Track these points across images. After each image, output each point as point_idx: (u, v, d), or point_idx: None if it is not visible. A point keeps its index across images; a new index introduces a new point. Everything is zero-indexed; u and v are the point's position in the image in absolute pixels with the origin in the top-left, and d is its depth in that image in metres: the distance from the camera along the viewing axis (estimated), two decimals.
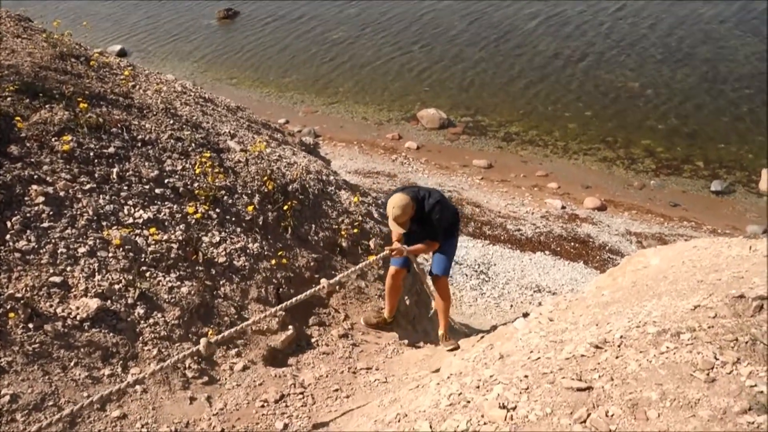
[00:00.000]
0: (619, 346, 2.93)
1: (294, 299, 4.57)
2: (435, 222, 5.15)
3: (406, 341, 5.73)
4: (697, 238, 5.38)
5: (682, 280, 4.15)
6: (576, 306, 4.80)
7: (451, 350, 5.36)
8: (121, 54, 24.23)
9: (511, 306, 12.31)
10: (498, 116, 18.90)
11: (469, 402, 2.73)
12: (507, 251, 14.12)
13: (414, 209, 5.00)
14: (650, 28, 21.52)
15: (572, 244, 14.05)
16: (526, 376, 2.81)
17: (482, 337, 5.36)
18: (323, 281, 4.78)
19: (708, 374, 2.40)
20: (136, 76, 6.72)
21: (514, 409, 2.51)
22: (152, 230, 4.71)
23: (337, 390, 4.53)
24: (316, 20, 25.56)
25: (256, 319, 4.57)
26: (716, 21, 21.74)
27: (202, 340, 3.90)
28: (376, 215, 6.96)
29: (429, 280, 5.86)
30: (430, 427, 2.62)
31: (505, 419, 2.44)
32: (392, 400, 4.03)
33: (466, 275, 13.16)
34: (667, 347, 2.66)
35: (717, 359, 2.46)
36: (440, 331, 5.68)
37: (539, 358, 3.33)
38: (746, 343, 2.54)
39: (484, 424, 2.46)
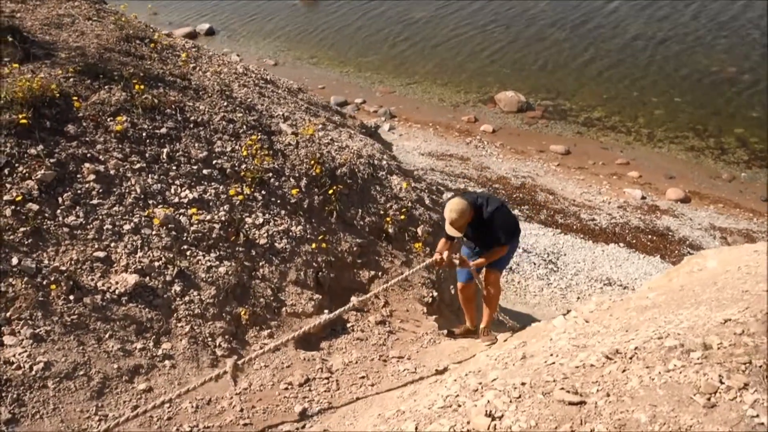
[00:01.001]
0: (630, 358, 2.76)
1: (329, 315, 4.59)
2: (496, 227, 5.09)
3: (445, 331, 5.66)
4: (762, 242, 4.98)
5: (729, 288, 3.87)
6: (617, 307, 4.59)
7: (489, 345, 5.24)
8: (209, 32, 25.11)
9: (578, 298, 11.93)
10: (579, 100, 18.18)
11: (460, 406, 2.66)
12: (579, 241, 13.65)
13: (471, 215, 4.99)
14: (747, 6, 19.95)
15: (649, 236, 13.41)
16: (523, 384, 2.70)
17: (513, 333, 5.21)
18: (353, 299, 4.77)
19: (709, 399, 2.21)
20: (198, 57, 6.92)
21: (500, 418, 2.42)
22: (193, 210, 4.86)
23: (363, 377, 4.54)
24: (399, 2, 25.38)
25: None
26: None
27: (229, 363, 3.95)
28: (427, 201, 6.89)
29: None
30: (416, 428, 2.58)
31: (488, 428, 2.36)
32: (412, 392, 4.01)
33: (534, 264, 12.85)
34: (675, 365, 2.48)
35: (722, 383, 2.27)
36: (482, 325, 5.55)
37: (554, 363, 3.21)
38: (760, 366, 2.33)
39: (467, 431, 2.39)
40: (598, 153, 16.37)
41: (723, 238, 12.97)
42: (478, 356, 4.40)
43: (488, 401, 2.58)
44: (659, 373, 2.46)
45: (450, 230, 5.01)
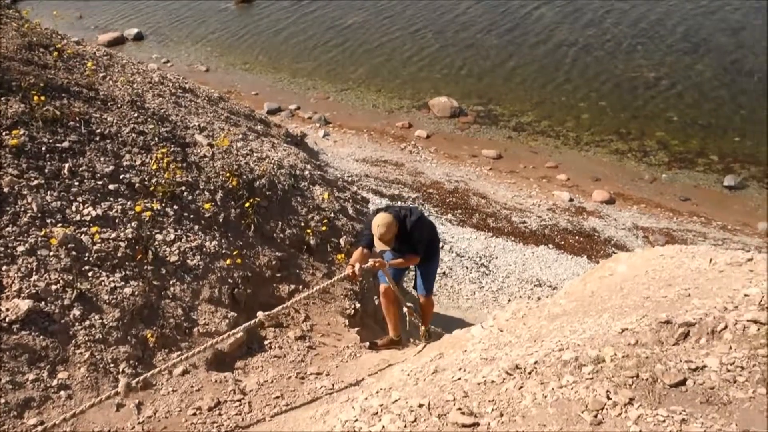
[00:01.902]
0: (529, 374, 2.75)
1: (233, 332, 4.43)
2: (416, 238, 5.28)
3: (367, 344, 5.59)
4: (669, 245, 5.12)
5: (633, 294, 3.94)
6: (531, 315, 4.62)
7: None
8: (138, 37, 24.39)
9: (509, 300, 12.07)
10: (510, 105, 18.52)
11: None
12: (510, 244, 13.85)
13: (397, 227, 5.12)
14: (667, 15, 20.81)
15: (577, 237, 13.73)
16: (420, 405, 2.65)
17: (425, 346, 5.19)
18: (260, 314, 4.58)
19: (596, 416, 2.21)
20: (109, 66, 6.64)
21: None
22: (95, 228, 4.62)
23: (278, 397, 4.41)
24: (332, 5, 25.30)
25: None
26: (736, 9, 20.95)
27: (121, 383, 3.77)
28: (351, 211, 6.81)
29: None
30: None
31: None
32: (324, 412, 3.91)
33: (467, 267, 12.94)
34: (567, 381, 2.47)
35: (609, 398, 2.27)
36: (422, 329, 5.97)
37: (460, 379, 3.17)
38: (646, 380, 2.34)
39: None
40: (529, 157, 16.69)
41: (645, 237, 13.42)
42: (393, 370, 4.34)
43: (383, 427, 2.51)
44: (552, 389, 2.45)
45: (379, 245, 5.13)
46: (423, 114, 18.87)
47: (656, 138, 16.05)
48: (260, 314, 4.58)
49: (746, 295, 3.02)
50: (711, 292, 3.39)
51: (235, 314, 5.05)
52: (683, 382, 2.30)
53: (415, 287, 5.98)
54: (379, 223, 5.06)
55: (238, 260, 5.26)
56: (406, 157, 17.44)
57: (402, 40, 22.21)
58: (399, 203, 14.63)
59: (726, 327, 2.71)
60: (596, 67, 18.90)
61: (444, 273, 12.41)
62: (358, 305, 5.96)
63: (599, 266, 5.73)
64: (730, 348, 2.54)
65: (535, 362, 2.82)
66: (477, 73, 19.95)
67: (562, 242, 13.67)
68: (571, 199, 15.07)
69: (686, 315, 2.93)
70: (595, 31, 20.67)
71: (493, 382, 2.80)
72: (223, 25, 25.03)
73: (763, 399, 2.16)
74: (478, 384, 2.85)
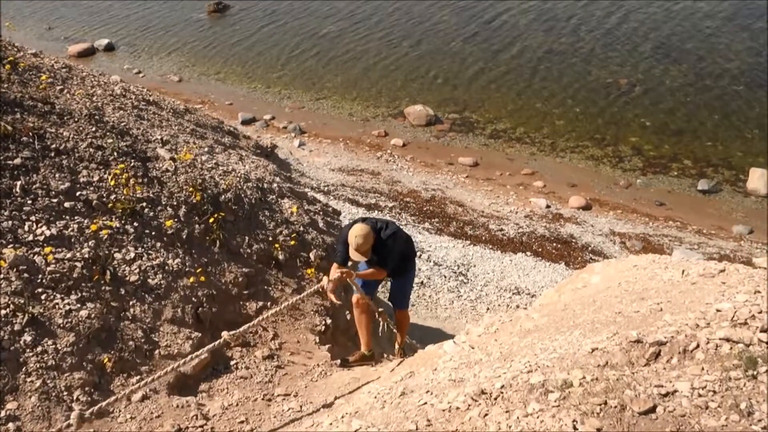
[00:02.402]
0: (495, 399, 2.62)
1: (195, 354, 4.23)
2: (387, 251, 5.29)
3: (338, 361, 5.43)
4: (643, 255, 5.05)
5: (605, 308, 3.84)
6: (504, 330, 4.50)
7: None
8: (109, 48, 24.06)
9: (488, 309, 12.00)
10: (486, 113, 18.52)
11: None
12: (488, 252, 13.78)
13: (374, 239, 5.16)
14: (641, 22, 21.02)
15: (554, 244, 13.71)
16: None
17: (401, 362, 5.05)
18: (224, 334, 4.39)
19: None
20: (68, 78, 6.43)
21: None
22: (48, 249, 4.41)
23: (242, 422, 4.24)
24: (306, 15, 25.19)
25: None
26: (707, 16, 21.23)
27: (73, 414, 3.57)
28: (321, 224, 6.66)
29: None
30: None
31: None
32: None
33: (445, 276, 12.85)
34: (533, 408, 2.34)
35: (576, 429, 2.15)
36: (397, 345, 6.09)
37: (426, 403, 3.04)
38: (614, 408, 2.22)
39: None
40: (505, 164, 16.69)
41: (622, 243, 13.44)
42: (362, 392, 4.19)
43: None
44: (517, 418, 2.32)
45: (355, 255, 5.14)
46: (399, 122, 18.80)
47: (631, 144, 16.15)
48: (225, 334, 4.40)
49: (718, 311, 2.92)
50: (683, 306, 3.30)
51: (200, 334, 4.87)
52: (653, 410, 2.19)
53: (390, 300, 5.99)
54: (357, 234, 5.08)
55: (202, 278, 5.08)
56: (383, 166, 17.34)
57: (377, 49, 22.16)
58: (375, 215, 14.52)
59: (698, 346, 2.62)
60: (571, 73, 19.00)
61: (422, 283, 12.30)
62: (329, 321, 5.81)
63: (573, 277, 5.65)
64: (702, 369, 2.44)
65: (502, 386, 2.69)
66: (452, 80, 19.95)
67: (540, 249, 13.64)
68: (548, 206, 15.06)
69: (658, 333, 2.83)
70: (570, 38, 20.81)
71: (458, 408, 2.66)
72: (195, 35, 24.79)
73: (736, 427, 2.06)
74: (443, 411, 2.72)
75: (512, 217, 14.86)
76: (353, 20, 24.28)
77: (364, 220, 5.39)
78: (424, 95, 19.48)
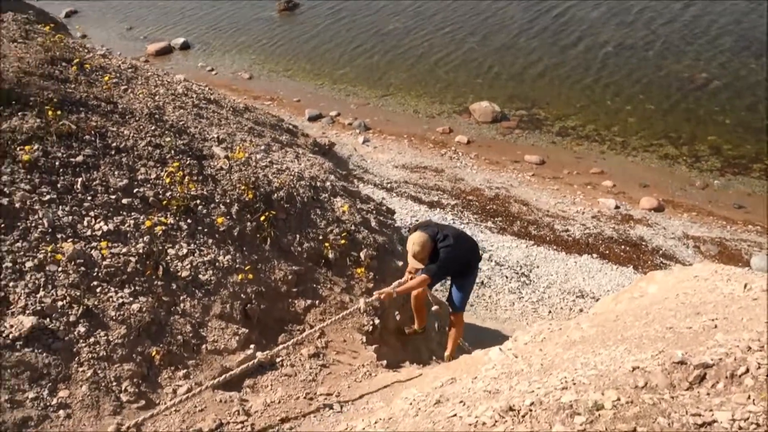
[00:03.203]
0: (523, 417, 2.52)
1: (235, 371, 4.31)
2: (439, 261, 5.37)
3: (384, 362, 5.40)
4: (706, 265, 4.76)
5: (657, 322, 3.63)
6: (550, 340, 4.35)
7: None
8: (184, 46, 24.89)
9: (550, 312, 11.71)
10: (554, 110, 18.06)
11: None
12: (552, 253, 13.44)
13: (432, 247, 5.35)
14: (719, 14, 19.91)
15: (623, 247, 13.21)
16: None
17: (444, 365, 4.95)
18: (258, 354, 4.53)
19: None
20: (132, 79, 6.66)
21: None
22: (103, 244, 4.58)
23: (283, 420, 4.27)
24: (373, 12, 25.27)
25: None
26: None
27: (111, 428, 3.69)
28: (374, 224, 6.64)
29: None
30: None
31: None
32: None
33: (506, 277, 12.63)
34: (557, 431, 2.23)
35: None
36: (446, 353, 6.07)
37: (455, 415, 2.96)
38: None
39: None
40: (573, 162, 16.23)
41: (696, 247, 12.81)
42: (401, 396, 4.14)
43: None
44: None
45: (412, 262, 5.42)
46: (464, 119, 18.59)
47: (708, 142, 15.35)
48: (259, 354, 4.50)
49: None
50: (740, 325, 3.08)
51: (247, 330, 4.94)
52: None
53: (447, 300, 6.07)
54: (414, 242, 5.33)
55: (250, 275, 5.15)
56: (446, 163, 17.17)
57: (443, 45, 21.99)
58: (437, 213, 14.39)
59: (747, 371, 2.42)
60: (644, 68, 18.25)
61: (482, 283, 12.13)
62: (377, 321, 5.78)
63: (632, 285, 5.40)
64: (748, 398, 2.25)
65: (531, 403, 2.58)
66: (520, 77, 19.56)
67: (607, 251, 13.18)
68: (617, 207, 14.53)
69: (705, 354, 2.64)
70: (642, 31, 19.98)
71: (484, 423, 2.58)
72: (266, 33, 25.30)
73: None
74: (470, 425, 2.64)
75: (579, 218, 14.41)
76: (419, 17, 24.17)
77: (426, 227, 5.56)
78: (490, 92, 19.18)
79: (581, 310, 11.73)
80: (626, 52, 19.13)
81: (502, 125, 17.91)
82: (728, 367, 2.48)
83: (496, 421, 2.55)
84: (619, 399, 2.41)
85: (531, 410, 2.53)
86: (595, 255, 13.10)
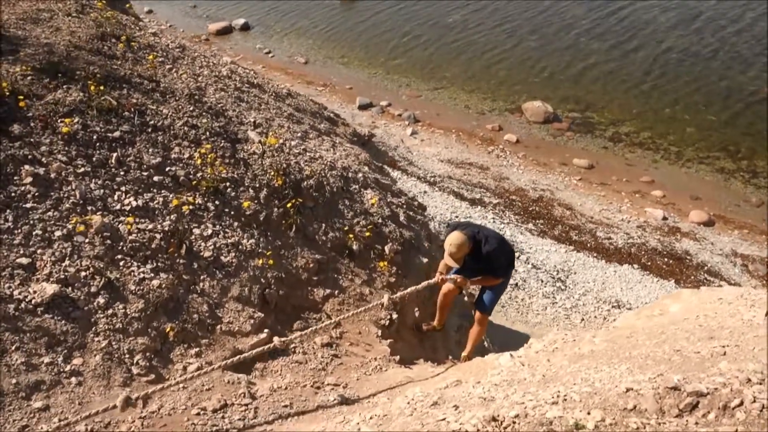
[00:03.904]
0: (504, 428, 2.48)
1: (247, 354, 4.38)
2: (493, 264, 5.54)
3: (398, 357, 5.41)
4: (729, 287, 4.58)
5: (668, 343, 3.52)
6: (561, 351, 4.28)
7: None
8: (245, 27, 25.24)
9: (582, 320, 11.49)
10: (609, 114, 17.61)
11: None
12: (591, 260, 13.15)
13: (470, 247, 5.36)
14: None
15: (666, 259, 12.83)
16: None
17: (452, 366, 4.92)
18: (276, 339, 4.59)
19: None
20: (178, 58, 6.81)
21: None
22: (130, 219, 4.72)
23: (286, 406, 4.33)
24: (434, 3, 25.06)
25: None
26: None
27: (121, 397, 3.79)
28: (402, 218, 6.63)
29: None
30: None
31: None
32: (320, 430, 3.78)
33: (542, 281, 12.43)
34: None
35: None
36: (464, 353, 5.99)
37: (443, 419, 2.95)
38: None
39: None
40: (623, 169, 15.82)
41: (744, 266, 12.33)
42: (403, 394, 4.14)
43: None
44: None
45: (449, 261, 5.40)
46: (515, 118, 18.32)
47: None
48: (276, 340, 4.56)
49: None
50: (749, 354, 2.96)
51: (263, 315, 5.02)
52: None
53: (477, 301, 6.04)
54: (452, 242, 5.30)
55: (271, 261, 5.22)
56: (492, 161, 16.98)
57: (501, 41, 21.67)
58: (479, 211, 14.25)
59: (741, 404, 2.33)
60: (707, 77, 17.58)
61: (516, 285, 11.96)
62: (395, 316, 5.79)
63: (657, 302, 5.25)
64: (736, 431, 2.16)
65: (516, 416, 2.55)
66: (576, 78, 19.11)
67: (649, 263, 12.82)
68: (664, 218, 14.11)
69: (703, 382, 2.55)
70: (711, 39, 19.22)
71: (467, 431, 2.55)
72: (326, 19, 25.39)
73: None
74: (453, 431, 2.62)
75: (623, 226, 14.05)
76: (479, 11, 23.87)
77: (464, 227, 5.55)
78: (544, 91, 18.83)
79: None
80: (690, 60, 18.46)
81: (553, 126, 17.58)
82: (722, 398, 2.39)
83: (478, 430, 2.52)
84: (603, 420, 2.35)
85: (514, 422, 2.49)
86: (636, 265, 12.76)
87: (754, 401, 2.33)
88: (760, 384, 2.45)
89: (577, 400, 2.68)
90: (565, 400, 2.71)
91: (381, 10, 25.30)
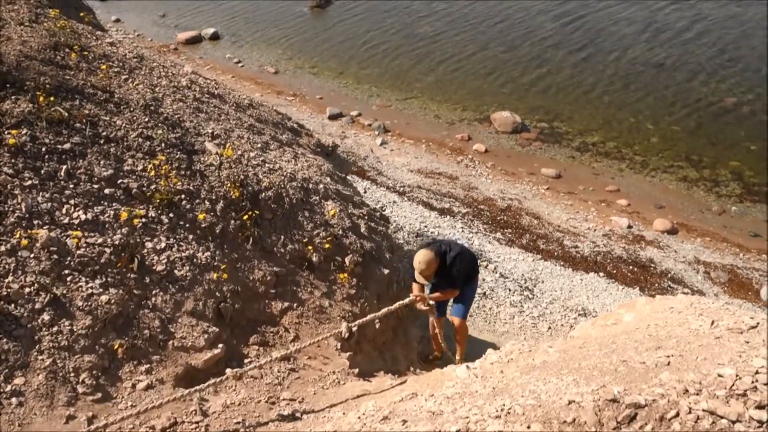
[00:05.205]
0: None
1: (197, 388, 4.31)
2: (455, 273, 5.93)
3: (357, 370, 5.36)
4: (682, 296, 4.62)
5: (617, 353, 3.53)
6: (516, 362, 4.27)
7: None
8: (214, 37, 25.09)
9: (549, 328, 11.53)
10: (576, 124, 17.84)
11: None
12: (558, 268, 13.25)
13: (438, 263, 5.75)
14: (761, 39, 19.43)
15: (631, 267, 12.98)
16: None
17: (403, 382, 4.89)
18: (228, 371, 4.53)
19: None
20: (135, 69, 6.70)
21: None
22: (77, 233, 4.60)
23: (238, 423, 4.24)
24: (405, 13, 25.24)
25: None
26: None
27: None
28: (363, 229, 6.59)
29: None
30: None
31: None
32: None
33: (509, 290, 12.46)
34: None
35: None
36: (457, 357, 6.70)
37: None
38: None
39: None
40: (590, 178, 16.01)
41: (706, 273, 12.53)
42: (357, 408, 4.09)
43: None
44: None
45: (420, 279, 5.78)
46: (484, 128, 18.46)
47: (730, 168, 15.03)
48: (228, 371, 4.50)
49: (719, 375, 2.60)
50: (692, 364, 2.97)
51: (217, 329, 4.93)
52: None
53: (452, 311, 6.54)
54: (420, 260, 5.66)
55: (224, 275, 5.14)
56: (462, 171, 17.05)
57: (471, 52, 21.86)
58: (447, 220, 14.27)
59: (677, 415, 2.33)
60: (673, 89, 17.93)
61: (484, 294, 11.98)
62: (354, 328, 5.73)
63: (611, 312, 5.29)
64: None
65: (457, 431, 2.51)
66: (545, 89, 19.35)
67: (615, 271, 12.96)
68: (629, 226, 14.29)
69: (642, 393, 2.55)
70: (676, 51, 19.62)
71: None
72: (296, 28, 25.39)
73: None
74: None
75: (589, 235, 14.19)
76: (450, 22, 24.07)
77: (429, 244, 5.93)
78: (513, 102, 19.02)
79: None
80: (654, 71, 18.81)
81: (522, 136, 17.75)
82: (660, 410, 2.39)
83: None
84: None
85: None
86: (602, 274, 12.90)
87: (690, 412, 2.33)
88: (697, 394, 2.46)
89: (520, 413, 2.66)
90: (509, 413, 2.69)
91: (351, 20, 25.40)
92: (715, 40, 19.67)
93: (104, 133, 5.44)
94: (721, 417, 2.26)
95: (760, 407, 2.32)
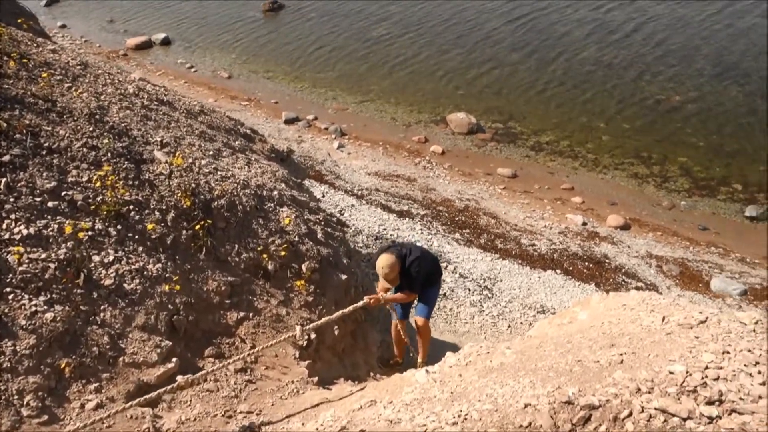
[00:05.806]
0: None
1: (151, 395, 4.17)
2: (414, 276, 5.93)
3: (316, 378, 5.28)
4: (634, 292, 4.69)
5: (572, 353, 3.55)
6: (474, 364, 4.26)
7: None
8: (165, 42, 24.63)
9: (509, 327, 11.64)
10: (531, 124, 18.08)
11: None
12: (516, 267, 13.39)
13: (400, 266, 5.79)
14: (704, 39, 20.07)
15: (586, 263, 13.21)
16: None
17: (363, 388, 4.85)
18: (179, 378, 4.40)
19: None
20: (79, 76, 6.49)
21: None
22: (17, 249, 4.42)
23: None
24: (359, 17, 25.22)
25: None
26: None
27: None
28: (320, 235, 6.52)
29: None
30: None
31: None
32: None
33: (469, 290, 12.55)
34: None
35: None
36: (420, 359, 6.62)
37: None
38: None
39: None
40: (545, 177, 16.24)
41: (659, 267, 12.83)
42: (315, 419, 4.03)
43: None
44: None
45: (384, 284, 5.82)
46: (440, 129, 18.57)
47: (679, 163, 15.45)
48: (180, 379, 4.37)
49: (671, 372, 2.63)
50: (644, 361, 3.00)
51: (170, 343, 4.80)
52: None
53: (416, 312, 6.51)
54: (383, 265, 5.72)
55: (177, 286, 5.01)
56: (419, 173, 17.11)
57: (427, 54, 21.97)
58: (406, 222, 14.28)
59: (630, 414, 2.34)
60: (622, 88, 18.34)
61: (444, 295, 12.02)
62: (313, 336, 5.66)
63: (566, 310, 5.35)
64: None
65: None
66: (499, 90, 19.58)
67: (571, 268, 13.17)
68: (584, 223, 14.55)
69: (596, 394, 2.56)
70: (624, 51, 20.09)
71: None
72: (249, 33, 25.14)
73: None
74: None
75: (546, 233, 14.40)
76: (405, 25, 24.15)
77: (389, 248, 5.99)
78: (468, 103, 19.18)
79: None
80: (605, 71, 19.22)
81: (478, 137, 17.91)
82: (613, 410, 2.41)
83: None
84: None
85: None
86: (559, 271, 13.08)
87: (642, 411, 2.35)
88: (649, 392, 2.48)
89: (477, 419, 2.65)
90: (465, 419, 2.67)
91: (304, 24, 25.27)
92: (662, 41, 20.20)
93: (46, 144, 5.25)
94: (673, 415, 2.28)
95: (709, 403, 2.35)
